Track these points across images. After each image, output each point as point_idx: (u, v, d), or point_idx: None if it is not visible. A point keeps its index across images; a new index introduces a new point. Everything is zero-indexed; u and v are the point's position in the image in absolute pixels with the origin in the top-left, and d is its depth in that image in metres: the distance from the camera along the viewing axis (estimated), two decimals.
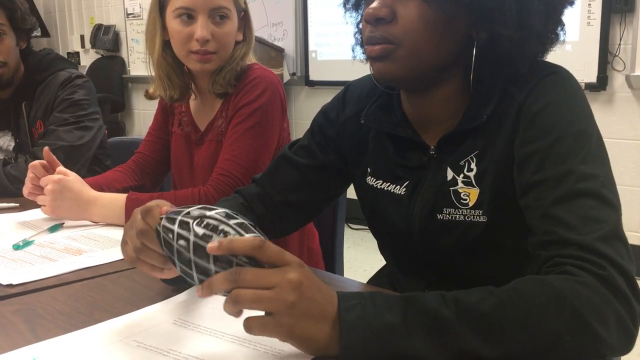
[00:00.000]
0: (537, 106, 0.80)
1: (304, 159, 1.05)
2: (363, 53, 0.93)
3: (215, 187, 1.28)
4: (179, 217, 0.67)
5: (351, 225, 3.66)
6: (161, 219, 0.69)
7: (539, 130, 0.79)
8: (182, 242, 0.65)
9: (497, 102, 0.84)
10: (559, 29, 0.85)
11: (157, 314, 0.80)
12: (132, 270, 0.97)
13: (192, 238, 0.64)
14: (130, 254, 0.76)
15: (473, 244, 0.88)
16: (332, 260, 1.56)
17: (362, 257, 3.12)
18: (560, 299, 0.63)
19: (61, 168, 1.29)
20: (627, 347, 0.66)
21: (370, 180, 0.99)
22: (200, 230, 0.64)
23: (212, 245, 0.61)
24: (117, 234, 1.19)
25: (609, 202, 0.73)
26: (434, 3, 0.79)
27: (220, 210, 0.68)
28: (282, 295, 0.61)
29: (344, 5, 0.96)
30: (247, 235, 0.64)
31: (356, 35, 0.97)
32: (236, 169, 1.30)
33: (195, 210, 0.67)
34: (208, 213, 0.66)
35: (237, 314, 0.63)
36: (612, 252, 0.68)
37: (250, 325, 0.63)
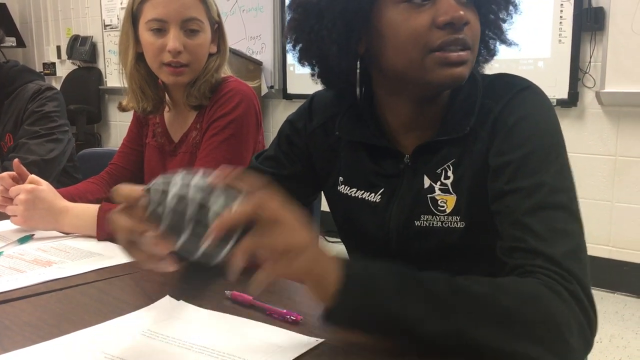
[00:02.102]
0: (513, 119, 0.84)
1: (270, 168, 1.06)
2: (432, 53, 0.83)
3: None
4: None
5: (328, 237, 3.66)
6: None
7: (514, 142, 0.82)
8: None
9: (477, 114, 0.88)
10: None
11: (125, 326, 0.79)
12: (102, 282, 0.96)
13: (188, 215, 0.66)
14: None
15: (451, 250, 0.90)
16: None
17: None
18: (536, 296, 0.69)
19: (34, 177, 1.28)
20: (585, 353, 0.70)
21: (344, 189, 0.99)
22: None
23: (217, 226, 0.64)
24: (88, 245, 1.18)
25: (576, 215, 0.78)
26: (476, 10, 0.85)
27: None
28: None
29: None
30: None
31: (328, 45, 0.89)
32: None
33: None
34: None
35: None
36: (576, 268, 0.72)
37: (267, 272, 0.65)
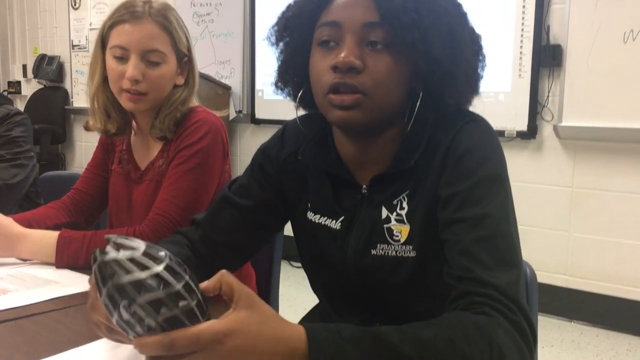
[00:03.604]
0: (460, 151, 0.88)
1: (244, 198, 1.07)
2: (326, 95, 0.89)
3: (150, 227, 1.29)
4: (110, 283, 0.59)
5: (292, 262, 3.66)
6: (102, 252, 0.60)
7: (461, 173, 0.86)
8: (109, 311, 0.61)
9: (425, 147, 0.91)
10: (479, 75, 0.95)
11: (79, 358, 0.79)
12: (58, 312, 0.96)
13: (115, 317, 0.60)
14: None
15: (404, 279, 0.93)
16: (267, 300, 1.57)
17: (302, 296, 3.13)
18: (492, 343, 0.70)
19: None
20: None
21: (310, 215, 1.02)
22: (125, 315, 0.59)
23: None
24: (46, 273, 1.17)
25: (517, 244, 0.83)
26: (399, 55, 0.86)
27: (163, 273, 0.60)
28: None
29: (275, 41, 0.99)
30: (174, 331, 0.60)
31: (286, 73, 1.00)
32: (174, 210, 1.31)
33: (128, 277, 0.58)
34: (139, 299, 0.58)
35: None
36: (521, 299, 0.76)
37: None
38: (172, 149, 1.40)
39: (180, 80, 1.44)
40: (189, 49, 1.45)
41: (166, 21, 1.38)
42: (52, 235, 1.23)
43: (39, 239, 1.24)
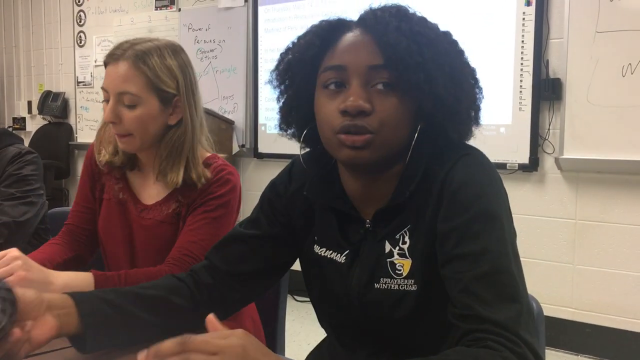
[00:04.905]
0: (455, 185, 0.89)
1: (251, 230, 1.09)
2: (336, 134, 0.91)
3: (181, 267, 1.30)
4: None
5: (296, 297, 3.64)
6: None
7: (457, 207, 0.87)
8: None
9: (420, 180, 0.92)
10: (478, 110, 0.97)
11: None
12: (68, 350, 0.96)
13: None
14: None
15: (407, 313, 0.93)
16: (273, 335, 1.57)
17: (306, 331, 3.11)
18: None
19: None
20: None
21: (316, 249, 1.04)
22: None
23: (141, 356, 0.63)
24: None
25: (519, 277, 0.82)
26: (404, 96, 0.88)
27: None
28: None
29: (277, 84, 1.02)
30: None
31: (289, 115, 1.03)
32: (201, 252, 1.31)
33: None
34: None
35: None
36: (523, 331, 0.76)
37: None
38: (196, 195, 1.41)
39: (172, 120, 1.40)
40: (180, 89, 1.39)
41: (141, 62, 1.33)
42: (84, 275, 1.23)
43: (72, 278, 1.22)
